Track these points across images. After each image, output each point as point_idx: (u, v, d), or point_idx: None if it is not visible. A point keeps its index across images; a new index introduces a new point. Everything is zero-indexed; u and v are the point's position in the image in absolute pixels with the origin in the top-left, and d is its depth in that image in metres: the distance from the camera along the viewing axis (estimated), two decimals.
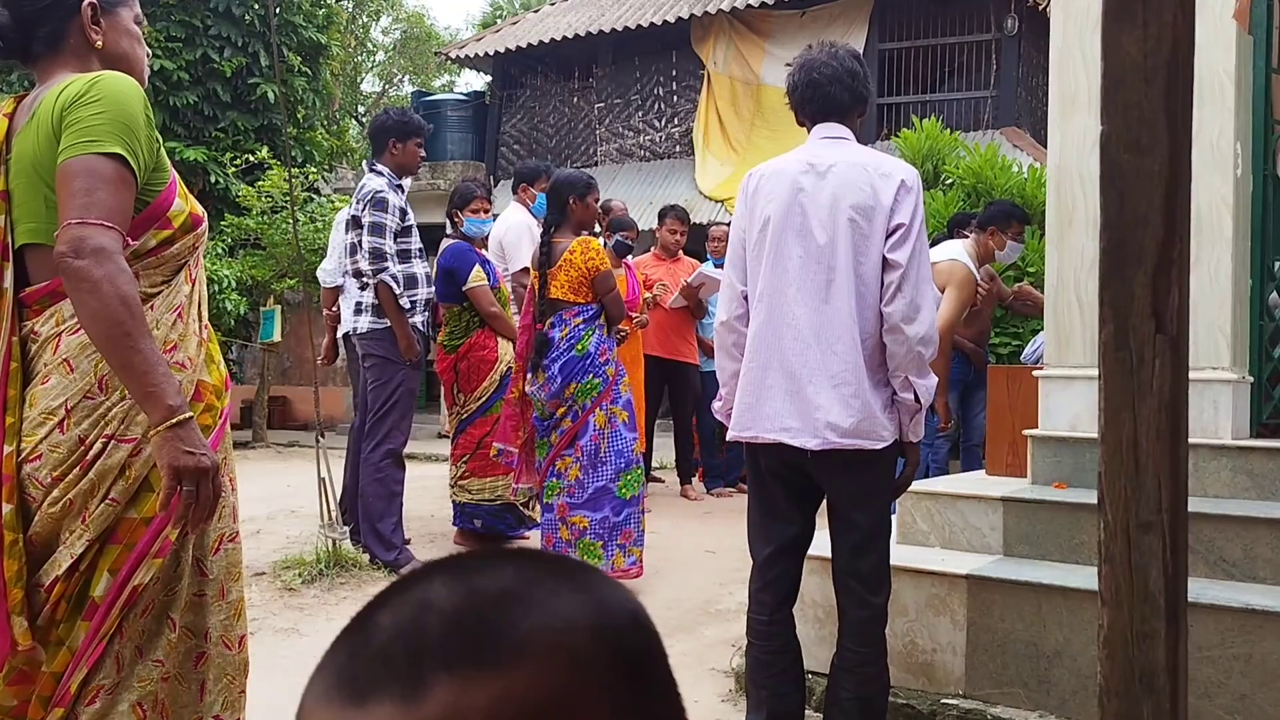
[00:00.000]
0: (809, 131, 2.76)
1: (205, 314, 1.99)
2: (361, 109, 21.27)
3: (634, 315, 6.28)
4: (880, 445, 2.55)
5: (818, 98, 2.69)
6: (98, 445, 1.79)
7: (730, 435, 2.76)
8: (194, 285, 1.95)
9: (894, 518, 3.77)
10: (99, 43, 1.92)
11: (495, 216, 5.78)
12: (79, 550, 1.77)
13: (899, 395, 2.56)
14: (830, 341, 2.54)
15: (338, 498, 4.87)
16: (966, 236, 5.71)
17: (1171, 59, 1.19)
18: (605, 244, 6.49)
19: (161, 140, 1.90)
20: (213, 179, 11.23)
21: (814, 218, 2.58)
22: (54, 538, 1.79)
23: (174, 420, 1.72)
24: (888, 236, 2.54)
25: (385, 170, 4.85)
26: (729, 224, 9.58)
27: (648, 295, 6.62)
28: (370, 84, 22.57)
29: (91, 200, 1.71)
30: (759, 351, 2.65)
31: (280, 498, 6.69)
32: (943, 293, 5.17)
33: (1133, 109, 1.20)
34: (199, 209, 1.97)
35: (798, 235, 2.59)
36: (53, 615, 1.79)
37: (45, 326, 1.82)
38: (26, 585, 1.77)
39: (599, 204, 7.18)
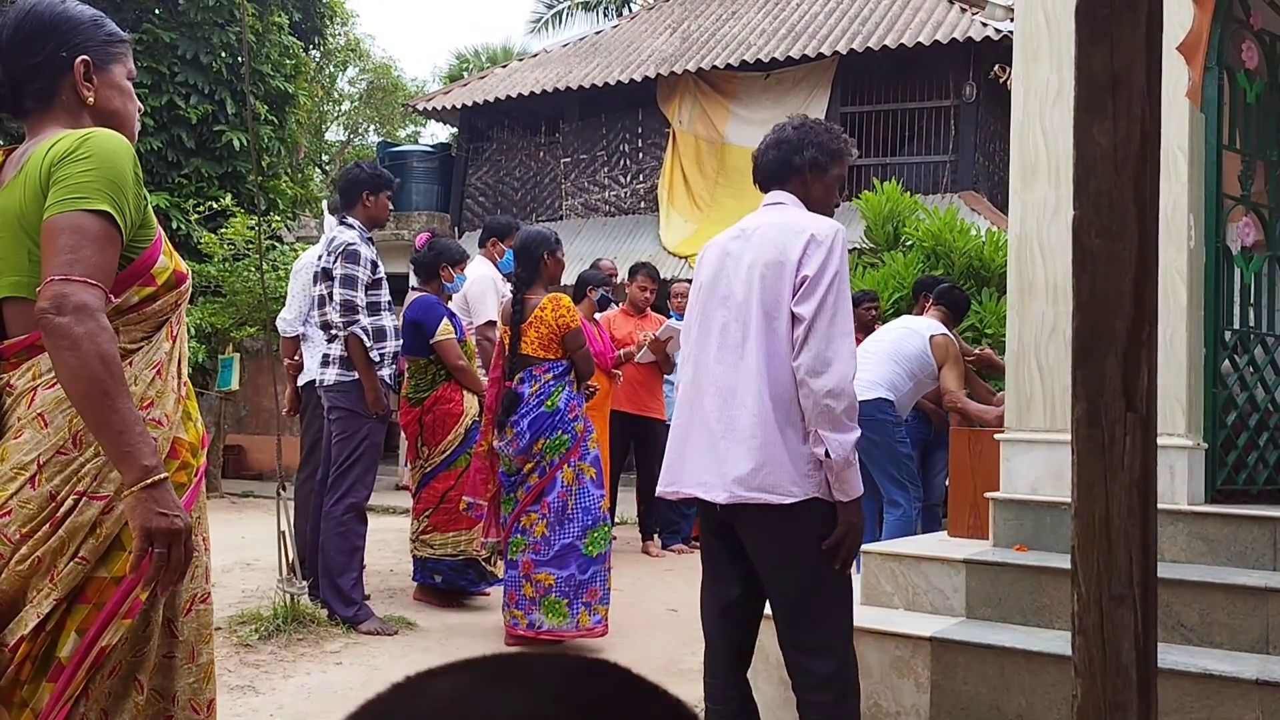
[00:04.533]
0: None
1: (185, 371, 1.98)
2: (326, 158, 21.29)
3: (613, 371, 6.32)
4: (787, 500, 2.50)
5: (757, 167, 2.81)
6: (69, 502, 1.76)
7: (658, 490, 2.82)
8: (175, 342, 1.94)
9: (855, 579, 3.80)
10: (90, 100, 1.92)
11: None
12: (46, 609, 1.74)
13: (813, 450, 2.50)
14: (742, 396, 2.56)
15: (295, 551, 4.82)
16: (928, 300, 5.86)
17: (1140, 150, 1.25)
18: (596, 299, 6.58)
19: (147, 196, 1.90)
20: (175, 225, 11.16)
21: (735, 279, 2.65)
22: (20, 596, 1.76)
23: (148, 481, 1.70)
24: (795, 291, 2.54)
25: (356, 223, 4.86)
26: (689, 280, 9.69)
27: (622, 352, 6.67)
28: (335, 133, 22.62)
29: (76, 257, 1.70)
30: (683, 409, 2.72)
31: (235, 550, 6.58)
32: (940, 368, 5.33)
33: (1103, 197, 1.25)
34: (183, 266, 1.96)
35: (722, 298, 2.67)
36: (17, 675, 1.75)
37: (21, 380, 1.81)
38: None
39: (592, 264, 7.27)
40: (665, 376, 7.29)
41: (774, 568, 2.61)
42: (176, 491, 1.80)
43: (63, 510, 1.76)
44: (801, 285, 2.53)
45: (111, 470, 1.77)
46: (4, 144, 2.08)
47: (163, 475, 1.73)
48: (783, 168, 2.74)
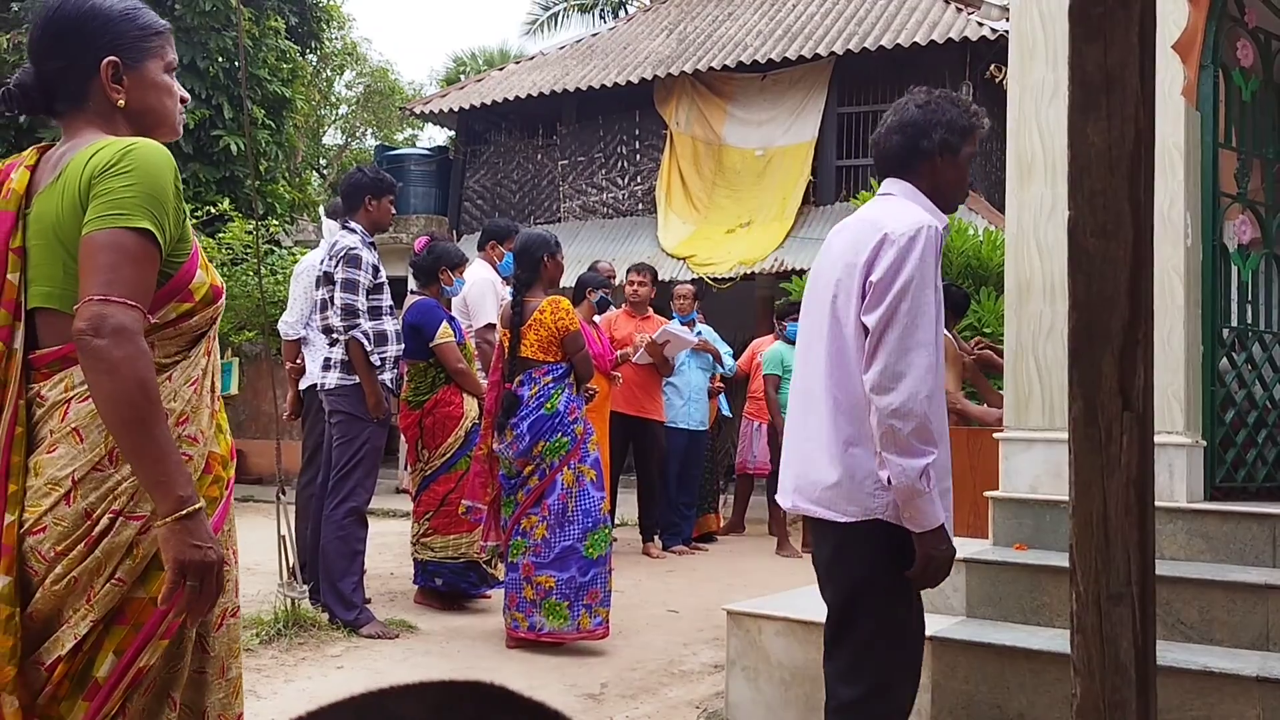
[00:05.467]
0: None
1: (218, 384, 1.93)
2: (323, 162, 21.29)
3: (612, 374, 6.33)
4: (840, 519, 2.34)
5: (878, 153, 2.54)
6: (105, 521, 1.72)
7: (777, 498, 2.72)
8: (209, 356, 1.89)
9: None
10: (121, 101, 1.85)
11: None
12: (83, 631, 1.70)
13: (879, 471, 2.29)
14: (814, 404, 2.41)
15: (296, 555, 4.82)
16: None
17: (1134, 149, 1.26)
18: (595, 300, 6.59)
19: (186, 210, 1.85)
20: None
21: (821, 277, 2.48)
22: (56, 614, 1.72)
23: (183, 512, 1.66)
24: (863, 297, 2.32)
25: (358, 227, 4.88)
26: (692, 282, 9.70)
27: (620, 354, 6.68)
28: (333, 137, 22.62)
29: (115, 277, 1.66)
30: (790, 413, 2.60)
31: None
32: None
33: (1098, 196, 1.25)
34: (219, 280, 1.91)
35: (811, 298, 2.52)
36: (55, 693, 1.72)
37: (53, 391, 1.76)
38: (24, 661, 1.71)
39: (590, 266, 7.29)
40: (665, 379, 7.32)
41: (823, 580, 2.50)
42: (209, 506, 1.78)
43: (98, 529, 1.71)
44: (868, 291, 2.30)
45: None
46: None
47: (198, 505, 1.69)
48: (909, 153, 2.46)
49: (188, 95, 2.01)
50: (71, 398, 1.74)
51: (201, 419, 1.84)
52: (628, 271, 7.46)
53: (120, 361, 1.63)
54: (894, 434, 2.24)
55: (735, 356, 8.41)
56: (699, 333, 7.75)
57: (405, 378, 5.28)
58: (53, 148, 1.88)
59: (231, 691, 1.91)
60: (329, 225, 6.02)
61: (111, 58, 1.84)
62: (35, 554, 1.71)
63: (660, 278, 11.42)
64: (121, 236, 1.69)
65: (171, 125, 1.94)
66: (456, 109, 13.61)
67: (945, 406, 2.41)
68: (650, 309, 7.43)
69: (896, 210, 2.40)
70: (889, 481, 2.27)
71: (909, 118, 2.47)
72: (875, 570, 2.37)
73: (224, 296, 1.92)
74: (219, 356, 1.96)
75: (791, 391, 2.57)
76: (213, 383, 1.90)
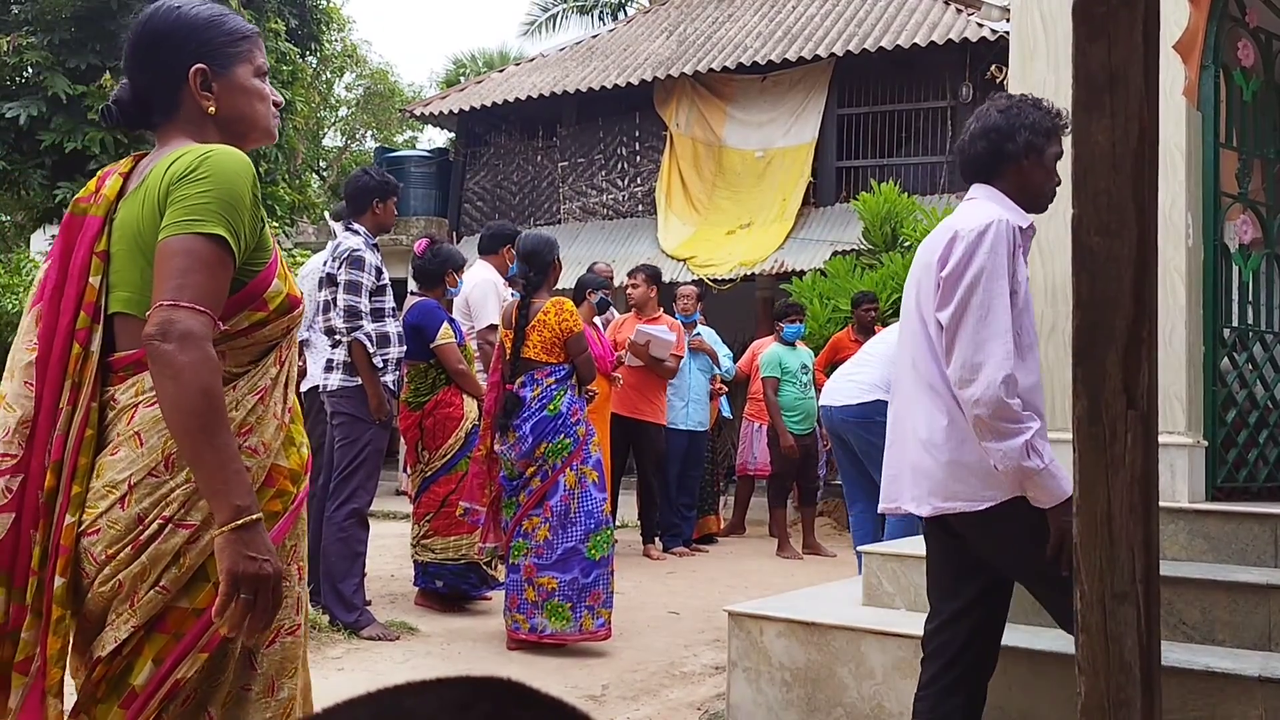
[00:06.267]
0: None
1: (291, 396, 1.90)
2: (323, 164, 21.29)
3: (613, 376, 6.33)
4: (981, 505, 2.42)
5: (964, 160, 2.59)
6: (154, 526, 1.71)
7: (880, 508, 2.75)
8: (282, 367, 1.87)
9: (856, 579, 3.78)
10: (211, 109, 1.85)
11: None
12: (123, 635, 1.70)
13: (988, 461, 2.37)
14: (920, 405, 2.48)
15: None
16: None
17: (1138, 148, 1.25)
18: (595, 302, 6.60)
19: (265, 217, 1.84)
20: None
21: (911, 282, 2.57)
22: (103, 616, 1.72)
23: (240, 522, 1.64)
24: (937, 293, 2.41)
25: (362, 229, 4.89)
26: (693, 283, 9.69)
27: (621, 353, 6.68)
28: (332, 139, 22.61)
29: (186, 282, 1.66)
30: (895, 420, 2.65)
31: None
32: None
33: (1102, 195, 1.25)
34: (297, 290, 1.90)
35: (906, 304, 2.61)
36: (93, 693, 1.73)
37: (125, 395, 1.76)
38: (76, 659, 1.72)
39: (589, 267, 7.30)
40: (669, 382, 7.31)
41: (996, 563, 2.56)
42: (269, 520, 1.75)
43: (147, 534, 1.70)
44: (939, 287, 2.39)
45: (200, 498, 1.71)
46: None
47: (255, 516, 1.66)
48: (994, 158, 2.51)
49: (281, 99, 2.00)
50: (140, 402, 1.74)
51: (266, 431, 1.81)
52: (628, 275, 7.48)
53: (185, 367, 1.62)
54: (983, 422, 2.32)
55: (735, 358, 8.41)
56: (698, 333, 7.75)
57: (405, 379, 5.28)
58: (146, 155, 1.89)
59: (281, 713, 1.83)
60: (336, 229, 6.03)
61: (199, 65, 1.83)
62: (88, 555, 1.72)
63: (662, 279, 11.45)
64: (194, 243, 1.68)
65: (264, 129, 1.94)
66: (456, 111, 13.61)
67: (1038, 384, 2.46)
68: (660, 309, 7.43)
69: (973, 210, 2.47)
70: (996, 468, 2.34)
71: (992, 123, 2.51)
72: (1036, 540, 2.39)
73: (302, 307, 1.90)
74: (295, 368, 1.94)
75: (895, 395, 2.62)
76: (285, 393, 1.87)
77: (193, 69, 1.83)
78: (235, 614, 1.64)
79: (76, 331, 1.76)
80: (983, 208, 2.45)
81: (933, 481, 2.46)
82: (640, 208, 12.75)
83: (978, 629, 2.63)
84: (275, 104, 1.96)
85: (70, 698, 1.79)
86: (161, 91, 1.85)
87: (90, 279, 1.78)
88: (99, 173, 1.92)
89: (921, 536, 2.72)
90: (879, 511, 2.79)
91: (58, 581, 1.70)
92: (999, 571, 2.58)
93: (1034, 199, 2.53)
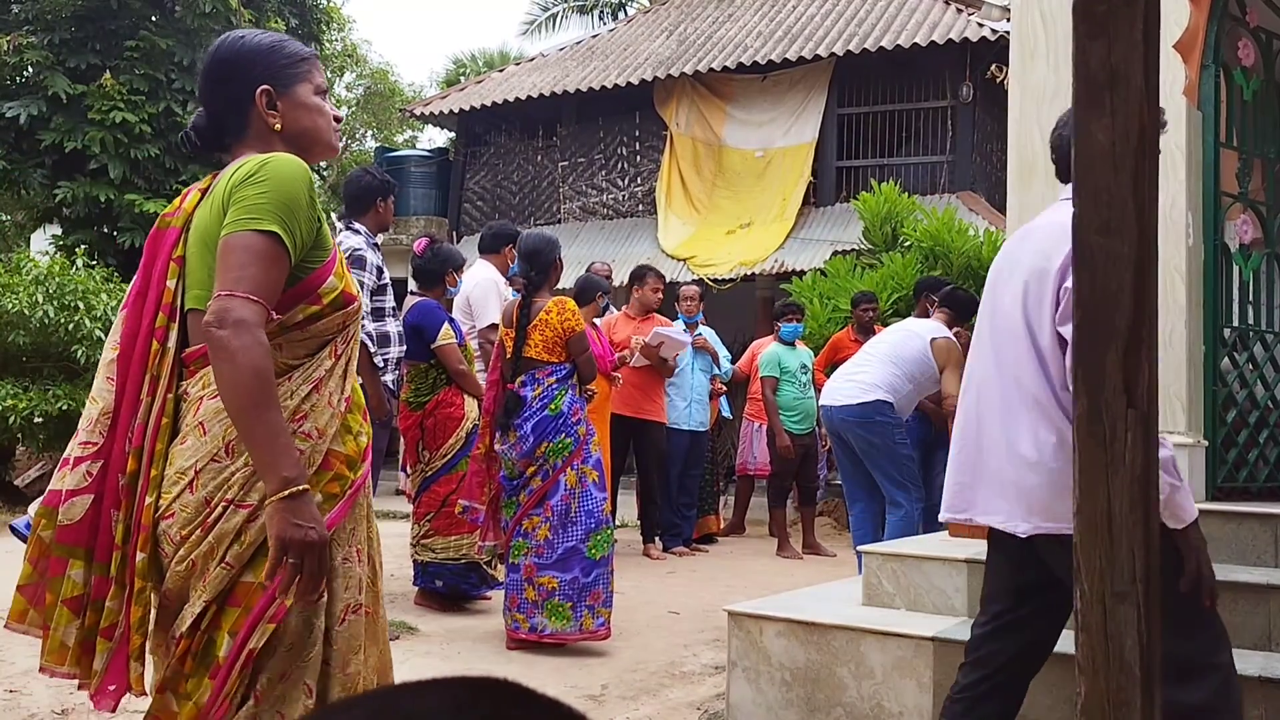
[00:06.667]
0: None
1: (349, 387, 2.04)
2: (323, 162, 21.29)
3: (612, 376, 6.33)
4: None
5: (1057, 159, 2.48)
6: (219, 509, 1.86)
7: (941, 515, 2.62)
8: (338, 360, 2.00)
9: (856, 579, 3.78)
10: (278, 126, 2.02)
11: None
12: (198, 610, 1.86)
13: None
14: (1021, 419, 2.35)
15: None
16: (933, 301, 5.87)
17: (1139, 146, 1.25)
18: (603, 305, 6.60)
19: (324, 219, 1.98)
20: None
21: (1006, 286, 2.42)
22: (184, 594, 1.89)
23: (287, 492, 1.77)
24: (1057, 304, 2.27)
25: (362, 229, 4.89)
26: (695, 283, 9.69)
27: (621, 355, 6.68)
28: None
29: (243, 274, 1.80)
30: (967, 427, 2.51)
31: None
32: (942, 372, 5.32)
33: (1102, 194, 1.25)
34: (354, 287, 2.04)
35: (993, 307, 2.46)
36: (180, 669, 1.88)
37: (195, 388, 1.92)
38: (162, 637, 1.88)
39: (588, 267, 7.31)
40: (669, 380, 7.32)
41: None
42: (327, 503, 1.91)
43: (213, 516, 1.86)
44: (1063, 299, 2.23)
45: (259, 480, 1.84)
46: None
47: (302, 487, 1.79)
48: None
49: (341, 114, 2.17)
50: (205, 395, 1.90)
51: (320, 418, 1.95)
52: (642, 277, 7.40)
53: (238, 350, 1.76)
54: None
55: (734, 358, 8.42)
56: (700, 333, 7.75)
57: (405, 379, 5.28)
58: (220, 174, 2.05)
59: (351, 688, 1.99)
60: (337, 227, 6.04)
61: (265, 86, 2.01)
62: (166, 537, 1.89)
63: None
64: (251, 238, 1.83)
65: (327, 143, 2.10)
66: (456, 110, 13.61)
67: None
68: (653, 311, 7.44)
69: None
70: None
71: None
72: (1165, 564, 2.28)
73: (358, 303, 2.04)
74: (354, 363, 2.07)
75: (978, 404, 2.46)
76: (343, 385, 2.02)
77: (259, 89, 2.00)
78: (285, 578, 1.78)
79: (156, 330, 1.94)
80: None
81: (1035, 501, 2.33)
82: (640, 207, 12.75)
83: (1032, 643, 2.54)
84: (335, 118, 2.12)
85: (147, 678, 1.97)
86: (233, 114, 2.03)
87: (168, 282, 1.96)
88: (183, 191, 2.11)
89: (988, 544, 2.58)
90: (939, 520, 2.66)
91: (139, 556, 1.88)
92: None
93: None
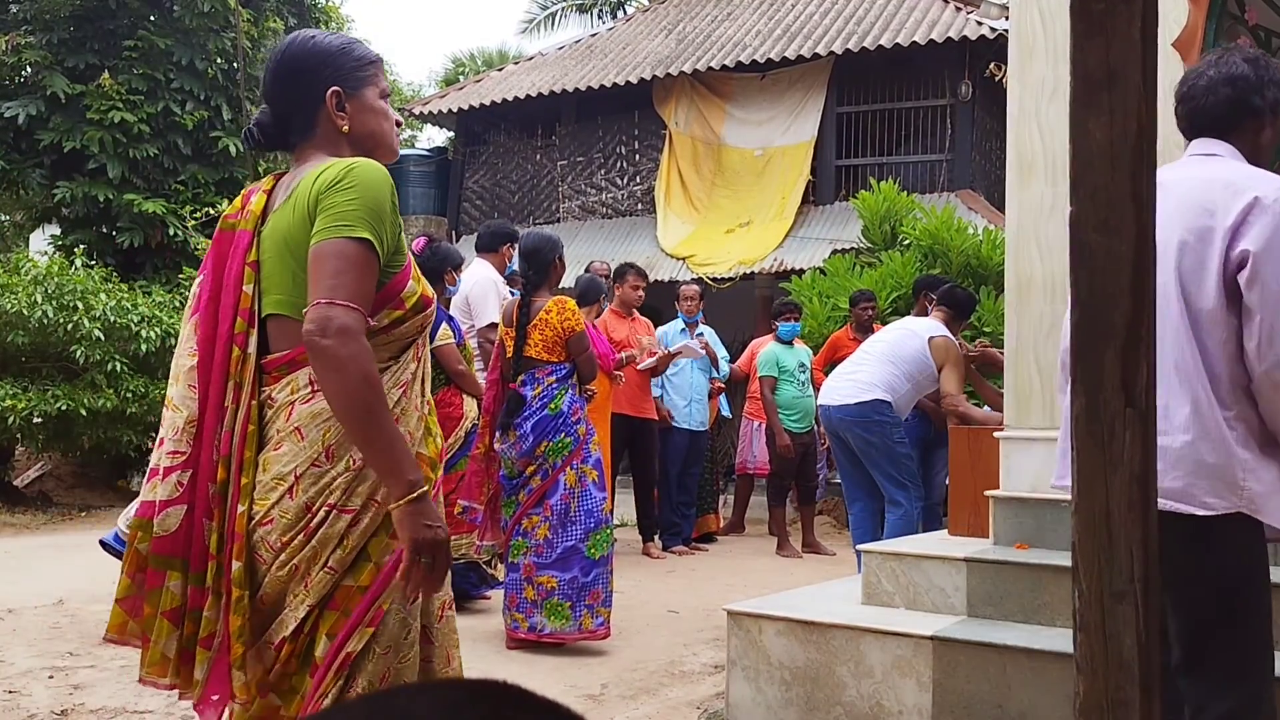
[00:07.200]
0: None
1: (427, 390, 2.05)
2: (284, 170, 21.28)
3: (615, 375, 6.32)
4: (1201, 512, 2.10)
5: (1196, 108, 2.29)
6: (321, 513, 1.86)
7: (1053, 482, 2.47)
8: (419, 363, 2.02)
9: (856, 578, 3.78)
10: (346, 128, 2.01)
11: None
12: (301, 614, 1.87)
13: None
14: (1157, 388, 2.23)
15: None
16: (932, 299, 5.86)
17: (1136, 144, 1.25)
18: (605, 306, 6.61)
19: (401, 225, 1.98)
20: (171, 232, 11.17)
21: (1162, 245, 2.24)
22: (281, 599, 1.89)
23: (414, 495, 1.78)
24: (1225, 264, 2.10)
25: None
26: (695, 281, 9.67)
27: (623, 355, 6.68)
28: None
29: (339, 282, 1.80)
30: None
31: None
32: (940, 370, 5.31)
33: (1100, 192, 1.25)
34: (429, 290, 2.04)
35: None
36: (284, 670, 1.90)
37: (281, 393, 1.91)
38: (257, 642, 1.88)
39: (587, 266, 7.30)
40: (668, 378, 7.34)
41: (1180, 584, 2.18)
42: None
43: (315, 521, 1.86)
44: (1242, 264, 2.07)
45: (359, 484, 1.86)
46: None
47: (425, 489, 1.81)
48: (1236, 110, 2.23)
49: (400, 119, 2.16)
50: (296, 400, 1.89)
51: (410, 421, 1.97)
52: (623, 274, 7.37)
53: (347, 359, 1.75)
54: None
55: (734, 357, 8.43)
56: (701, 334, 7.75)
57: None
58: (287, 173, 2.05)
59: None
60: None
61: (335, 88, 2.00)
62: (264, 544, 1.88)
63: (660, 278, 11.46)
64: (345, 245, 1.82)
65: (390, 146, 2.09)
66: (455, 109, 13.61)
67: None
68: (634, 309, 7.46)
69: (1245, 170, 2.20)
70: None
71: (1239, 72, 2.24)
72: (1253, 567, 2.15)
73: (433, 305, 2.05)
74: (429, 363, 2.09)
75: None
76: (422, 387, 2.03)
77: (330, 91, 2.00)
78: (418, 578, 1.81)
79: (235, 336, 1.93)
80: (1255, 171, 2.19)
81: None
82: (639, 206, 12.74)
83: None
84: (396, 122, 2.12)
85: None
86: (300, 114, 2.02)
87: (244, 287, 1.94)
88: (243, 191, 2.10)
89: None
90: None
91: (235, 565, 1.87)
92: (1171, 588, 2.22)
93: (1262, 162, 2.26)
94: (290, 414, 1.89)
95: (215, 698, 1.94)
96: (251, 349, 1.92)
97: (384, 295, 1.92)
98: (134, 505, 2.06)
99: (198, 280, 2.04)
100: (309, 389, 1.87)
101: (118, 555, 2.12)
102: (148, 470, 1.99)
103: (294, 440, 1.88)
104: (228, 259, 1.98)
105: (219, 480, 1.90)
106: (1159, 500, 2.17)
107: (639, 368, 6.86)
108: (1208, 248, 2.12)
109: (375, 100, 2.06)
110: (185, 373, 1.96)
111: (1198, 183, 2.19)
